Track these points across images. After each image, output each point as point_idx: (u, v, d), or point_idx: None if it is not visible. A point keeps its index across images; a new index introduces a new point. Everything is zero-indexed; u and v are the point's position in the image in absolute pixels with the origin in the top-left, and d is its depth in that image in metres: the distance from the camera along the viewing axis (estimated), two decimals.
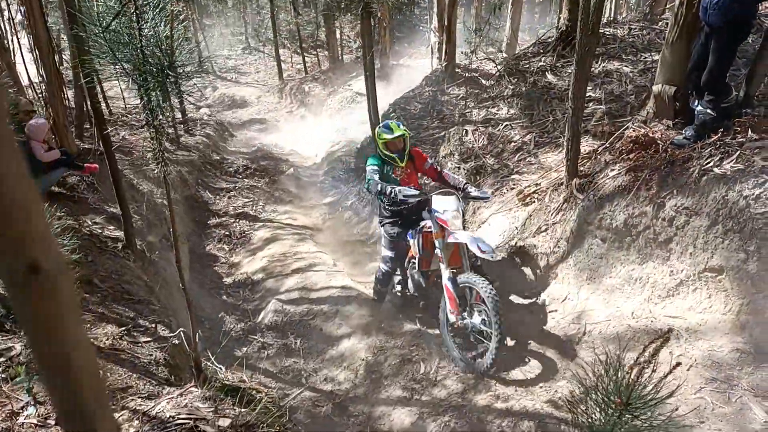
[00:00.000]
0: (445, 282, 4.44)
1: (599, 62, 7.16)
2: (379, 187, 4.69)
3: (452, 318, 4.39)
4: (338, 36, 19.92)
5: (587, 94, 5.78)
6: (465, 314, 4.36)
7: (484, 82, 9.60)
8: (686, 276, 4.06)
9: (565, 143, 5.24)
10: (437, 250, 4.54)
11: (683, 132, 4.58)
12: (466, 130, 7.72)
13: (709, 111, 4.38)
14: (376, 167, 4.90)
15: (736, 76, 4.92)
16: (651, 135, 4.74)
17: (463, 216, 4.76)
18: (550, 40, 8.72)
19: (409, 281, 5.23)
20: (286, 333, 5.29)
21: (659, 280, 4.23)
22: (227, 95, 19.04)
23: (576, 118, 5.05)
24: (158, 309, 4.57)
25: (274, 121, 17.01)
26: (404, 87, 12.73)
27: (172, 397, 2.93)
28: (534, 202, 5.83)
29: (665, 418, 1.36)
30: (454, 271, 4.53)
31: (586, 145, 5.74)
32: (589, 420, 1.45)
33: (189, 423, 2.67)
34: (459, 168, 7.45)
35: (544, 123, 7.02)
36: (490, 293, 4.04)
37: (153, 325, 4.03)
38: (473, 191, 4.89)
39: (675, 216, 4.15)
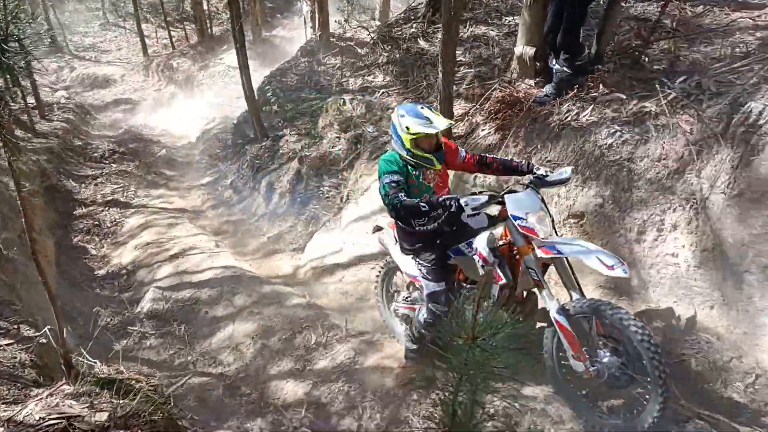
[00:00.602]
0: (555, 316, 3.03)
1: (467, 27, 7.36)
2: (424, 208, 3.09)
3: (578, 366, 2.99)
4: (205, 7, 18.81)
5: (458, 59, 5.94)
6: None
7: (359, 50, 9.58)
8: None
9: (438, 106, 5.36)
10: (531, 272, 3.12)
11: (544, 90, 4.85)
12: (344, 100, 7.68)
13: (565, 69, 4.67)
14: (398, 178, 3.22)
15: (590, 35, 5.25)
16: (515, 94, 4.97)
17: (550, 213, 3.28)
18: (420, 6, 8.82)
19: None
20: (169, 320, 5.04)
21: None
22: (87, 75, 17.47)
23: (447, 81, 5.17)
24: (21, 308, 4.26)
25: (141, 101, 15.94)
26: (279, 58, 12.42)
27: (41, 398, 2.71)
28: None
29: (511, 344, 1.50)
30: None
31: (460, 108, 5.92)
32: (448, 358, 1.57)
33: (62, 423, 2.47)
34: (339, 138, 7.41)
35: (418, 88, 7.14)
36: (628, 319, 2.80)
37: (15, 326, 3.77)
38: (547, 173, 3.32)
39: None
